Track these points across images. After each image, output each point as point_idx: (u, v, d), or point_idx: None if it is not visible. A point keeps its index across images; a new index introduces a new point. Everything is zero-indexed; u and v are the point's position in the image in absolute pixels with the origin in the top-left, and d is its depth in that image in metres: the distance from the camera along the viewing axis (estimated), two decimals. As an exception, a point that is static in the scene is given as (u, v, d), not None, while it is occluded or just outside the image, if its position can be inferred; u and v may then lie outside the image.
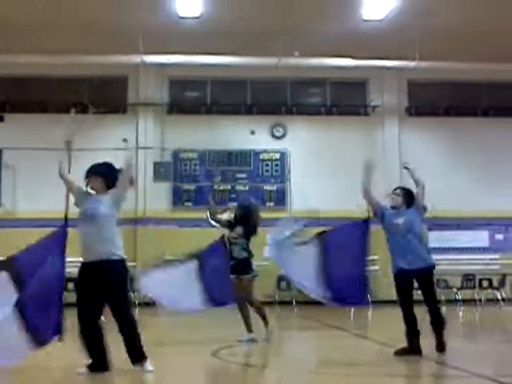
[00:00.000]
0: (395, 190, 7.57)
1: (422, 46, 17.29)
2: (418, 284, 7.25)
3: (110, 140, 18.61)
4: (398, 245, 7.23)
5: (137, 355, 5.96)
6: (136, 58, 18.14)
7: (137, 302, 17.79)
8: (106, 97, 19.81)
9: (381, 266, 19.09)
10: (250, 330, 8.59)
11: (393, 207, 7.44)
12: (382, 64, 19.10)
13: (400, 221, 7.25)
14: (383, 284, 18.99)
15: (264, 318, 8.70)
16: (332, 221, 19.04)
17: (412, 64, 18.44)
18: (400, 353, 6.89)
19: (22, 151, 18.53)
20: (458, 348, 8.41)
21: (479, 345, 9.14)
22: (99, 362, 5.92)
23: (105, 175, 6.21)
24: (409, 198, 7.41)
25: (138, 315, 15.65)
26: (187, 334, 10.74)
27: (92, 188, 6.24)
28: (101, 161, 6.43)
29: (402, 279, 7.23)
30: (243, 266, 8.62)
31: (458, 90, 20.35)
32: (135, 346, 5.99)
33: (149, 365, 5.93)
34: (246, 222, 8.75)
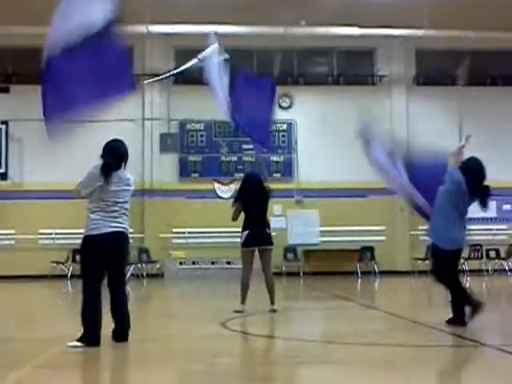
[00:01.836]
0: None
1: (430, 15, 17.06)
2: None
3: (115, 111, 18.58)
4: None
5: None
6: (142, 28, 18.00)
7: (145, 274, 17.94)
8: (111, 68, 19.71)
9: (388, 237, 19.20)
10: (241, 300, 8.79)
11: None
12: (389, 33, 18.93)
13: None
14: (389, 254, 19.10)
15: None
16: (338, 191, 19.10)
17: (420, 32, 18.25)
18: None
19: (29, 123, 18.49)
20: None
21: (486, 315, 9.15)
22: (94, 335, 5.82)
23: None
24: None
25: (145, 286, 15.80)
26: (195, 305, 10.81)
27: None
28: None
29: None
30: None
31: (465, 59, 20.14)
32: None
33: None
34: (241, 196, 8.85)
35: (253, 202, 8.81)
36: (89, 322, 5.80)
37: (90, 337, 5.76)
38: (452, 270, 7.03)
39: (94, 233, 5.98)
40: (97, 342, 5.77)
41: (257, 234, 8.73)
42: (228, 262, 18.09)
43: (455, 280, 7.00)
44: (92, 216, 6.02)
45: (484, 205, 7.11)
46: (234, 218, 8.93)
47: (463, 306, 6.88)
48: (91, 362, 5.35)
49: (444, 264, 6.97)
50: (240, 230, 8.90)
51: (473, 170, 7.08)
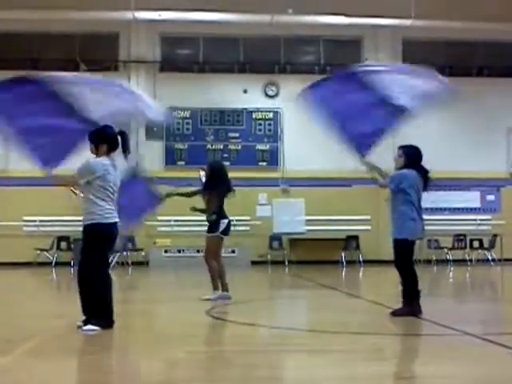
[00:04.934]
0: (398, 149, 7.20)
1: (417, 4, 17.09)
2: None
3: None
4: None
5: None
6: (127, 15, 17.90)
7: (130, 262, 17.92)
8: (97, 54, 19.57)
9: (373, 227, 19.25)
10: (215, 287, 8.74)
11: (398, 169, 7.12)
12: (376, 22, 18.93)
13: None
14: (373, 244, 19.17)
15: (213, 280, 8.76)
16: (323, 180, 19.12)
17: (407, 22, 18.28)
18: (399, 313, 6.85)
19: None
20: (448, 307, 8.52)
21: (469, 304, 9.24)
22: (109, 319, 6.08)
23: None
24: (409, 158, 7.06)
25: (130, 274, 15.79)
26: (180, 293, 10.81)
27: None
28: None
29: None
30: (210, 226, 8.85)
31: (452, 49, 20.21)
32: None
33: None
34: (217, 184, 8.87)
35: (225, 191, 8.92)
36: (104, 307, 6.01)
37: (107, 320, 5.99)
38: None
39: (109, 221, 6.08)
40: (111, 325, 6.01)
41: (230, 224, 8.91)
42: (213, 251, 18.06)
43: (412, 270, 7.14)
44: (102, 204, 6.07)
45: (426, 185, 7.11)
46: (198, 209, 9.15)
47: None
48: (76, 350, 5.34)
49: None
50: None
51: (419, 158, 7.11)
